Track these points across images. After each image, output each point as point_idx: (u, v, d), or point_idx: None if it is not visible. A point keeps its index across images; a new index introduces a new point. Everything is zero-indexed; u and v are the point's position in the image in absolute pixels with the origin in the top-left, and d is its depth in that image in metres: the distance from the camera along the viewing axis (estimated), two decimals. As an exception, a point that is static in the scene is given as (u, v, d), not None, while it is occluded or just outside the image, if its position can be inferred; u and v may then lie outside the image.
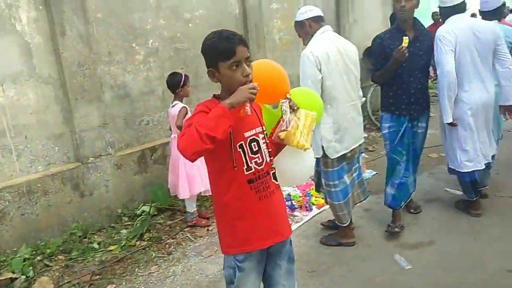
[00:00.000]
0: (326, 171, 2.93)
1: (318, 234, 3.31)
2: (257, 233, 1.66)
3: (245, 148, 1.62)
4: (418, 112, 3.13)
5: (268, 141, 1.72)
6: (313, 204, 3.85)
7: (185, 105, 3.51)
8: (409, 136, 3.13)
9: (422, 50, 3.02)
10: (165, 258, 3.20)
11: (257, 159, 1.64)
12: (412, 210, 3.50)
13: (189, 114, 3.56)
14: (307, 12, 2.84)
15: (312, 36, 2.80)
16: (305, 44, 2.88)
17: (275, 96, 1.85)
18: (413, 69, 3.01)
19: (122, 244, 3.38)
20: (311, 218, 3.65)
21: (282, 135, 1.74)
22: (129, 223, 3.74)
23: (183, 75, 3.55)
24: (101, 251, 3.34)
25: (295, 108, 1.79)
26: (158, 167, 4.11)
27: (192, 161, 1.49)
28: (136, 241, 3.44)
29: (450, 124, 3.08)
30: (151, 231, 3.60)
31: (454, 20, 3.06)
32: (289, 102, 1.79)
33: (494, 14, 3.69)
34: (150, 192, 3.96)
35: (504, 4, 5.18)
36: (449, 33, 2.99)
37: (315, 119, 1.84)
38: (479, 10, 3.92)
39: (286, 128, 1.74)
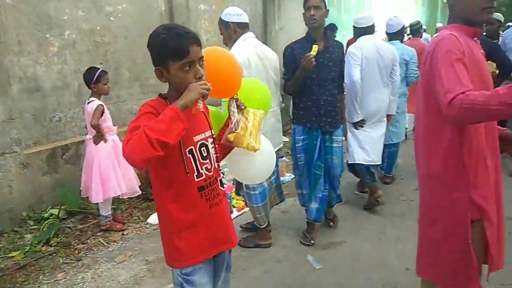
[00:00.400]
0: (246, 175, 2.98)
1: (237, 236, 3.33)
2: (207, 242, 1.57)
3: (195, 153, 1.52)
4: (331, 125, 3.07)
5: (216, 146, 1.63)
6: (234, 207, 3.88)
7: (102, 103, 3.34)
8: (324, 149, 3.10)
9: (331, 61, 2.99)
10: (73, 264, 3.00)
11: (207, 165, 1.55)
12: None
13: (107, 113, 3.39)
14: (235, 15, 2.86)
15: (235, 40, 2.84)
16: (226, 44, 2.92)
17: (230, 88, 1.73)
18: (323, 80, 2.97)
19: (26, 250, 3.12)
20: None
21: (232, 137, 1.65)
22: (35, 227, 3.46)
23: (99, 70, 3.36)
24: (1, 257, 3.05)
25: (243, 107, 1.71)
26: (70, 167, 3.85)
27: (141, 169, 1.39)
28: (42, 246, 3.19)
29: (358, 122, 3.59)
30: (59, 235, 3.36)
31: (363, 39, 3.61)
32: (236, 102, 1.70)
33: (397, 35, 4.36)
34: (60, 194, 3.69)
35: (421, 26, 5.98)
36: (357, 49, 3.50)
37: (263, 118, 1.77)
38: (385, 31, 4.48)
39: (235, 129, 1.65)
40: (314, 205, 3.18)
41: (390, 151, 4.27)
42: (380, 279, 2.76)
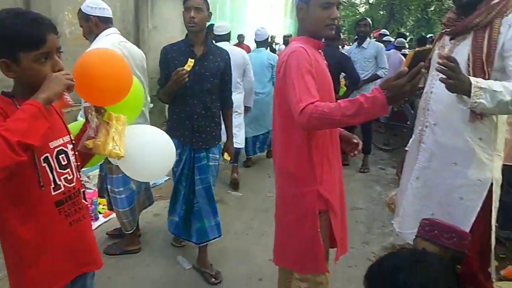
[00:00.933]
0: (111, 177, 2.85)
1: (104, 244, 3.16)
2: (65, 267, 1.38)
3: (51, 161, 1.32)
4: (205, 143, 2.70)
5: (76, 153, 1.45)
6: (100, 213, 3.67)
7: None
8: (198, 169, 2.73)
9: (209, 71, 2.62)
10: None
11: (67, 175, 1.36)
12: None
13: None
14: (97, 8, 2.69)
15: (96, 35, 2.69)
16: (85, 37, 2.78)
17: (115, 97, 1.56)
18: (198, 90, 2.61)
19: None
20: (98, 227, 3.47)
21: (90, 143, 1.47)
22: None
23: None
24: None
25: (102, 111, 1.54)
26: None
27: None
28: None
29: None
30: None
31: (220, 45, 4.27)
32: (94, 105, 1.53)
33: (263, 43, 4.98)
34: None
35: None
36: None
37: (126, 122, 1.61)
38: (254, 39, 5.03)
39: (94, 135, 1.49)
40: (173, 218, 2.92)
41: (263, 136, 5.13)
42: (246, 271, 2.92)
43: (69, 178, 1.38)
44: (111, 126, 1.54)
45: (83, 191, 1.48)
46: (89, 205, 3.65)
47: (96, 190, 3.76)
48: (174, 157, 1.95)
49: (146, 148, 1.74)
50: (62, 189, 1.36)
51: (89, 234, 1.52)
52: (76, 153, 1.46)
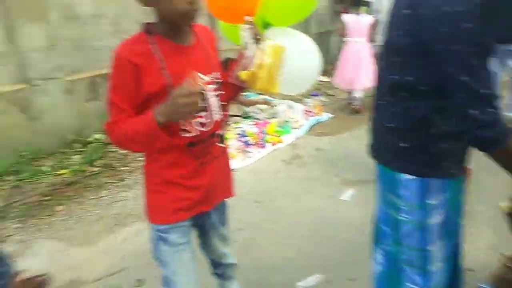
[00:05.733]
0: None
1: (268, 169, 3.41)
2: (188, 202, 1.34)
3: None
4: None
5: (222, 91, 1.32)
6: (267, 142, 3.92)
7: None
8: None
9: None
10: (116, 184, 3.19)
11: (202, 119, 1.27)
12: None
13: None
14: None
15: None
16: None
17: (239, 14, 1.41)
18: None
19: (73, 169, 3.34)
20: (264, 155, 3.74)
21: (244, 75, 1.31)
22: (82, 149, 3.66)
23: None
24: (52, 174, 3.28)
25: (259, 38, 1.33)
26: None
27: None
28: (88, 166, 3.40)
29: None
30: (104, 158, 3.56)
31: None
32: (251, 30, 1.32)
33: None
34: (103, 120, 3.83)
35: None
36: None
37: (284, 52, 1.35)
38: None
39: (249, 66, 1.31)
40: None
41: None
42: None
43: (204, 121, 1.28)
44: (268, 56, 1.32)
45: (221, 135, 1.39)
46: (258, 133, 3.97)
47: (266, 120, 4.02)
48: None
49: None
50: (195, 132, 1.27)
51: (218, 175, 1.42)
52: (222, 91, 1.33)
